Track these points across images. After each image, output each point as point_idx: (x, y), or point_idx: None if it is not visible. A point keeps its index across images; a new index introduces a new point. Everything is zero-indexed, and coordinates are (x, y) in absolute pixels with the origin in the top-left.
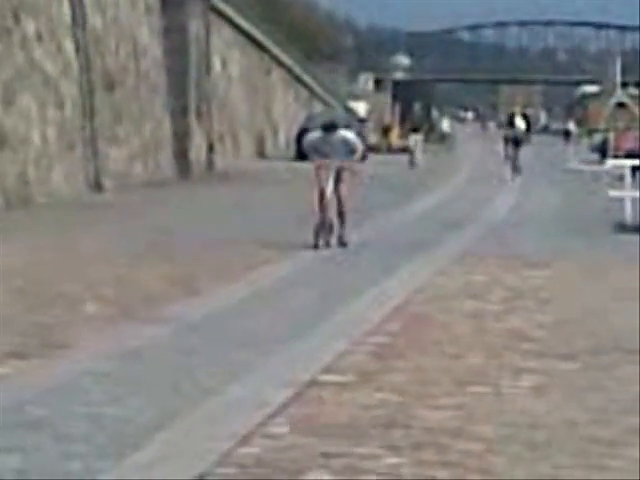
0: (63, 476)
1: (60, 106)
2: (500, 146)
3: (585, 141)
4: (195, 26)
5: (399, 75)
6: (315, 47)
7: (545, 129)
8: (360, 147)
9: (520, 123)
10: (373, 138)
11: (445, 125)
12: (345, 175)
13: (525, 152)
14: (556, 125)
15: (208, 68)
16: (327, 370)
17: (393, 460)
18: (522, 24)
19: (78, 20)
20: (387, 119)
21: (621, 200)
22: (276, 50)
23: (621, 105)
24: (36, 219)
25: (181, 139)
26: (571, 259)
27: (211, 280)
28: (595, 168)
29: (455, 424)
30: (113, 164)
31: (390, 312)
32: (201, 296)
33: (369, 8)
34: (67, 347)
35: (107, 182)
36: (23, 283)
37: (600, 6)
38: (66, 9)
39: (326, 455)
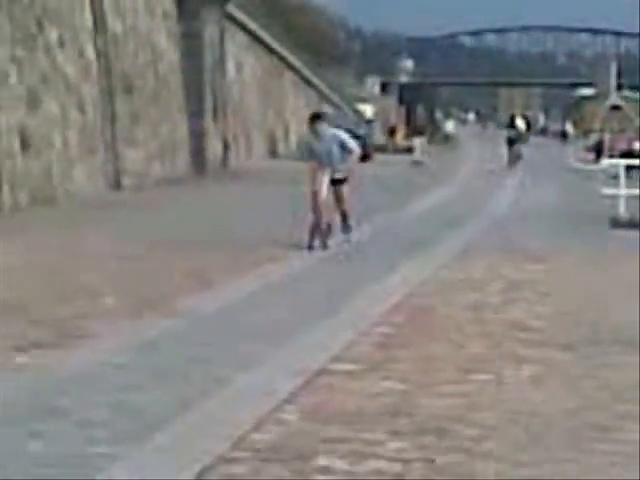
0: (85, 460)
1: (81, 109)
2: (503, 148)
3: (581, 142)
4: (210, 32)
5: (404, 78)
6: (324, 52)
7: (544, 130)
8: (357, 150)
9: (520, 124)
10: (380, 139)
11: (450, 127)
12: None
13: (524, 152)
14: (554, 126)
15: (223, 72)
16: (336, 359)
17: (397, 445)
18: (523, 29)
19: (99, 26)
20: (393, 120)
21: (616, 197)
22: (287, 55)
23: (616, 107)
24: (58, 215)
25: (198, 139)
26: (569, 253)
27: (221, 275)
28: (591, 167)
29: (458, 412)
30: (131, 164)
31: (394, 305)
32: (213, 290)
33: (375, 14)
34: (87, 338)
35: (126, 180)
36: (44, 276)
37: (597, 12)
38: (88, 16)
39: (334, 440)
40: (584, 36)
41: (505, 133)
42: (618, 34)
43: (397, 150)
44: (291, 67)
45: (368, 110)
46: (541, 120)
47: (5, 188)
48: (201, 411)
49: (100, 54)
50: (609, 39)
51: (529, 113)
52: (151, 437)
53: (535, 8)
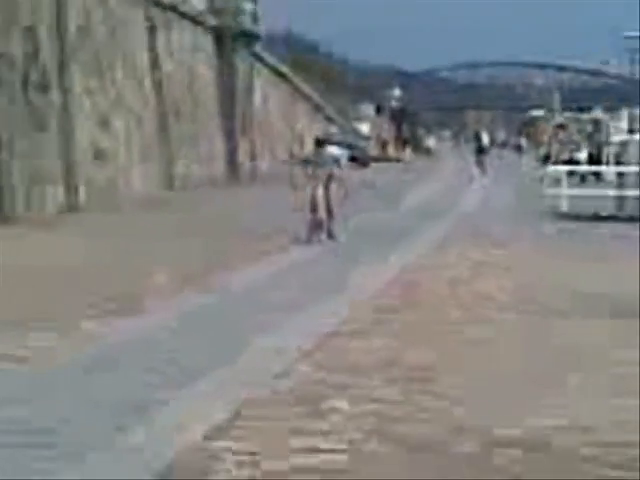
0: (144, 395)
1: (141, 129)
2: (471, 158)
3: (533, 152)
4: (242, 67)
5: (393, 104)
6: (328, 82)
7: (504, 144)
8: (344, 161)
9: (485, 138)
10: (374, 151)
11: (431, 142)
12: (334, 179)
13: (487, 161)
14: (514, 140)
15: (251, 99)
16: (342, 323)
17: (390, 390)
18: (490, 64)
19: (154, 64)
20: (385, 136)
21: (559, 196)
22: (300, 84)
23: (560, 126)
24: (120, 209)
25: (231, 152)
26: (524, 240)
27: (241, 260)
28: (540, 172)
29: (439, 364)
30: (180, 170)
31: (387, 281)
32: (236, 271)
33: (369, 50)
34: (143, 311)
35: (176, 182)
36: (108, 260)
37: (544, 49)
38: (146, 56)
39: (341, 387)
40: (535, 70)
41: (472, 146)
42: (561, 68)
43: (389, 159)
44: (303, 94)
45: (365, 128)
46: (502, 135)
47: (81, 189)
48: (233, 365)
49: (155, 86)
50: (552, 72)
51: (492, 128)
52: (193, 384)
53: (501, 45)
